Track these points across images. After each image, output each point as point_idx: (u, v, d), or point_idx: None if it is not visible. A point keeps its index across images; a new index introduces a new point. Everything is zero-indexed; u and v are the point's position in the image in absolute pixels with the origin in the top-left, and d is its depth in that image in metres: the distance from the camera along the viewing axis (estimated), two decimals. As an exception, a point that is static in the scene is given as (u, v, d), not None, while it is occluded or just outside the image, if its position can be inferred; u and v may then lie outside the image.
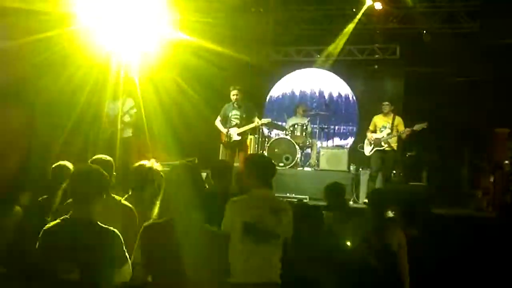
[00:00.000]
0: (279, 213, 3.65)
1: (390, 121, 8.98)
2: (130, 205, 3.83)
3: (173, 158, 11.39)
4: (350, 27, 11.15)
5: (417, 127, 8.74)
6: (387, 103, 9.12)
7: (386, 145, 8.90)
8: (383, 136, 8.93)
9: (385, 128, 8.98)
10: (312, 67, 12.70)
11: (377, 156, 8.97)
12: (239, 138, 8.56)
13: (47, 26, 6.74)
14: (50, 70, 7.44)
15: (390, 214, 4.77)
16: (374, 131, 9.15)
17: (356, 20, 11.04)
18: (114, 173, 4.18)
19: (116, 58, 7.94)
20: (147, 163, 4.31)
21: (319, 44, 12.17)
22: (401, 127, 8.96)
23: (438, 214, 7.94)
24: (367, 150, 9.18)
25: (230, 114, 8.65)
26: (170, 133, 9.06)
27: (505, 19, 9.19)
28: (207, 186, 4.64)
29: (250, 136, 10.20)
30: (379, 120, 9.17)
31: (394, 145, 8.94)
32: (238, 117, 8.62)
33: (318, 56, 12.32)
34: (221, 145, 8.86)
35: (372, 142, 9.06)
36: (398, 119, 9.05)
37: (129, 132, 8.72)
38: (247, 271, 3.50)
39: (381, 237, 4.20)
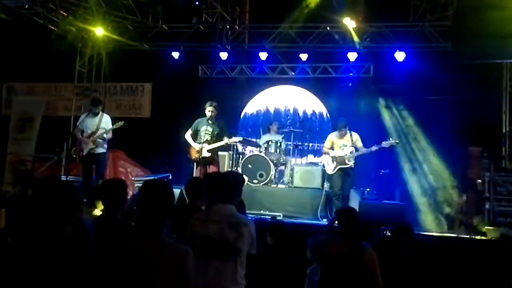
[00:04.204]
0: (240, 227, 3.58)
1: (349, 139, 8.75)
2: None
3: (147, 173, 11.32)
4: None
5: (385, 143, 8.58)
6: (344, 124, 8.78)
7: (351, 163, 8.70)
8: (346, 154, 8.68)
9: (345, 146, 8.72)
10: (287, 84, 12.70)
11: (340, 174, 8.74)
12: (209, 154, 8.45)
13: None
14: None
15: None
16: (331, 149, 8.89)
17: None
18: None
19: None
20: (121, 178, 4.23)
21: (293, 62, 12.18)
22: (359, 143, 8.75)
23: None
24: (330, 168, 8.90)
25: (201, 129, 8.55)
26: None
27: (476, 39, 9.28)
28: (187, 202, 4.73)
29: (224, 153, 10.12)
30: (336, 139, 8.89)
31: (352, 162, 8.74)
32: (210, 133, 8.51)
33: (293, 73, 12.33)
34: (195, 162, 8.70)
35: (335, 160, 8.78)
36: (355, 136, 8.80)
37: (104, 148, 8.78)
38: None
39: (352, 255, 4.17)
